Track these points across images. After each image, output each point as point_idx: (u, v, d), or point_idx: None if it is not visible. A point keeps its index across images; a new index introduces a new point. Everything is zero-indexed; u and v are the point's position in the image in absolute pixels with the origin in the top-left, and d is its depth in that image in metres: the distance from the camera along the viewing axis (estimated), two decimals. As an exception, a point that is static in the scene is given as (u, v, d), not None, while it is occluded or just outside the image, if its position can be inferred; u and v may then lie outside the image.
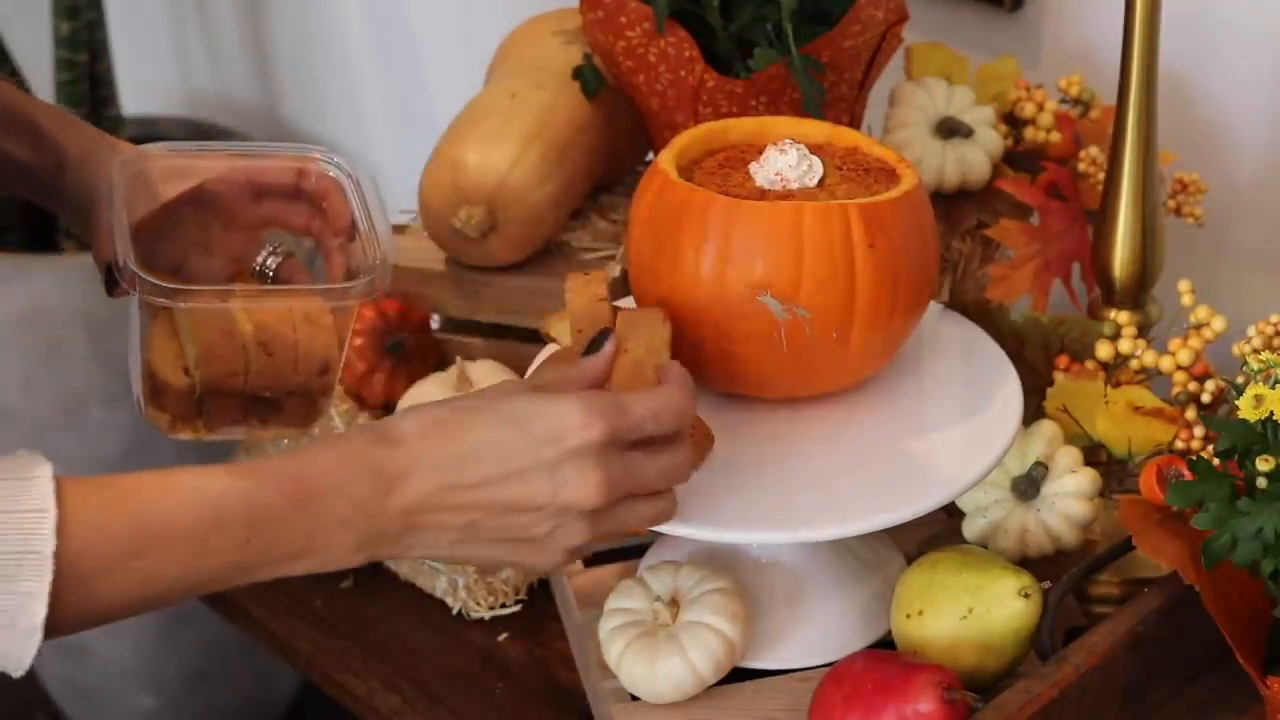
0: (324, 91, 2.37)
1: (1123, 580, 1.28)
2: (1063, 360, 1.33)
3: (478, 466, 0.98)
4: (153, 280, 1.10)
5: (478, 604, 1.38)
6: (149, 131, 2.39)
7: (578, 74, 1.47)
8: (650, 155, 1.54)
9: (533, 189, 1.42)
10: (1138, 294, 1.35)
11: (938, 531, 1.34)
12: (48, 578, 0.88)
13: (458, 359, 1.41)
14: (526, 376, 1.23)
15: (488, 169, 1.41)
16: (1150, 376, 1.31)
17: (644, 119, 1.47)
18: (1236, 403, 1.08)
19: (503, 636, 1.36)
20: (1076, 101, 1.50)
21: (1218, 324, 1.29)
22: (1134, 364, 1.31)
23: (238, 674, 2.34)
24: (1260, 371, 1.09)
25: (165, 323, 1.19)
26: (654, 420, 1.02)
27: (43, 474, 0.91)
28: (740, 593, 1.21)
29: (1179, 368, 1.28)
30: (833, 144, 1.24)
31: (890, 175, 1.21)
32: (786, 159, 1.18)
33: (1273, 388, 1.07)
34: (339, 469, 0.97)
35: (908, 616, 1.19)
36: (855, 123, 1.44)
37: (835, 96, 1.40)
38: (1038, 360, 1.34)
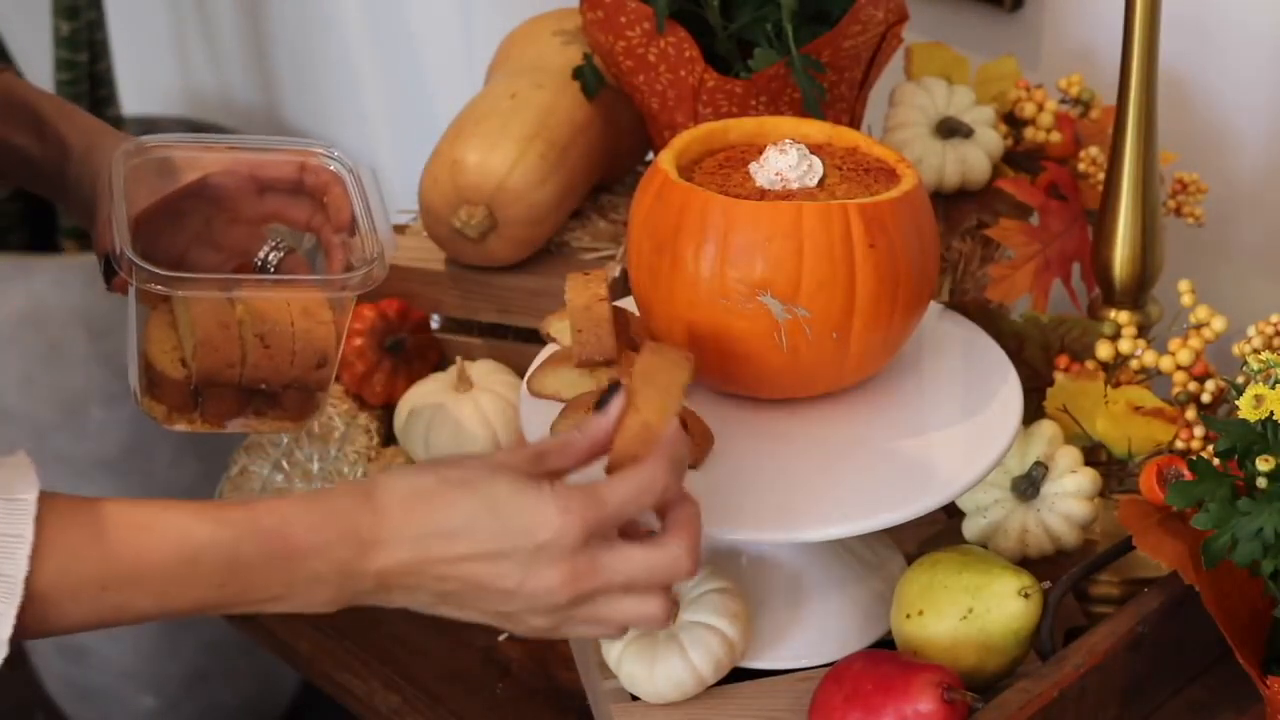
0: (324, 91, 2.37)
1: (1123, 580, 1.28)
2: (1063, 360, 1.33)
3: (452, 545, 0.99)
4: (150, 269, 1.10)
5: (478, 604, 1.38)
6: (149, 131, 2.39)
7: (578, 74, 1.47)
8: (650, 155, 1.54)
9: (533, 189, 1.42)
10: (1138, 294, 1.35)
11: (938, 531, 1.34)
12: (16, 600, 0.91)
13: (458, 359, 1.41)
14: (528, 376, 1.23)
15: (488, 169, 1.41)
16: (1150, 376, 1.31)
17: (644, 119, 1.47)
18: (1236, 403, 1.08)
19: (503, 636, 1.36)
20: (1076, 101, 1.50)
21: (1218, 324, 1.29)
22: (1134, 364, 1.31)
23: (238, 674, 2.35)
24: (1260, 371, 1.09)
25: (163, 314, 1.19)
26: (634, 504, 1.01)
27: (28, 498, 0.93)
28: (740, 593, 1.21)
29: (1179, 368, 1.28)
30: (833, 144, 1.24)
31: (890, 175, 1.21)
32: (786, 159, 1.18)
33: (1273, 388, 1.07)
34: (321, 529, 0.98)
35: (908, 616, 1.19)
36: (855, 123, 1.44)
37: (835, 96, 1.40)
38: (1038, 360, 1.34)
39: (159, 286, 1.10)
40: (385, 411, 1.46)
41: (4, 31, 2.24)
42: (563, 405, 1.19)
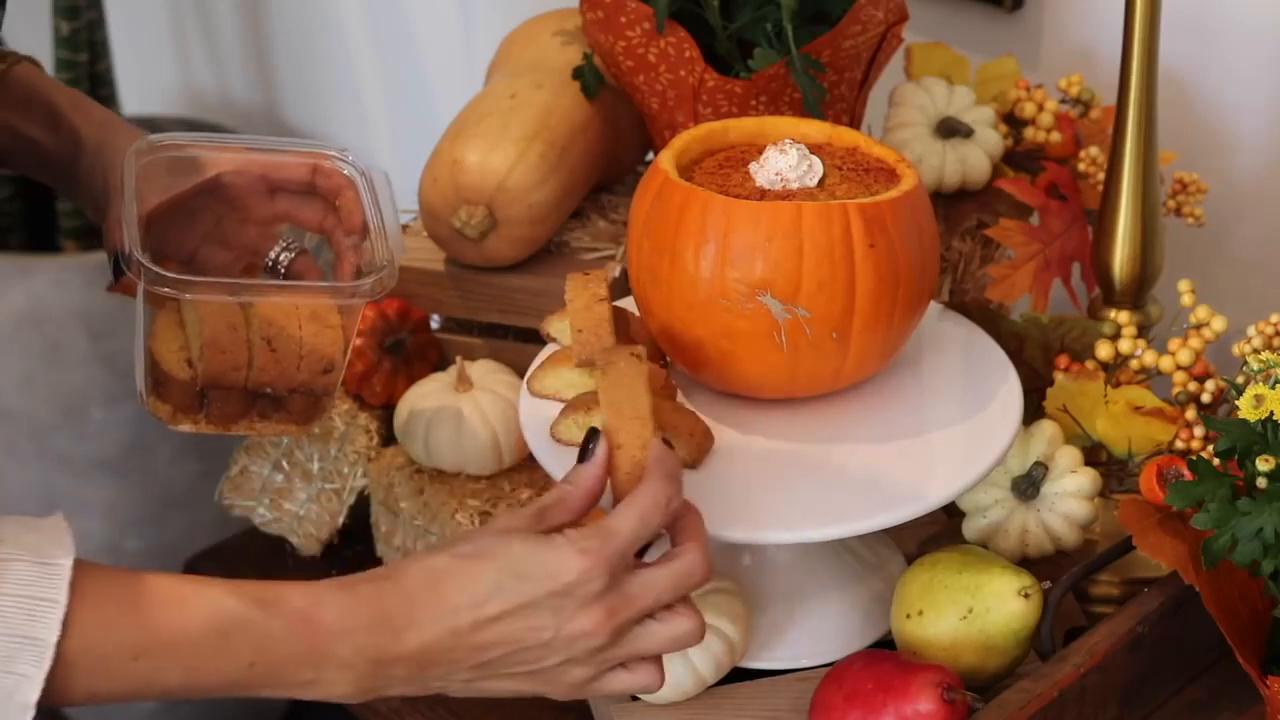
0: (324, 91, 2.37)
1: (1123, 580, 1.28)
2: (1063, 360, 1.33)
3: (483, 610, 0.99)
4: (158, 270, 1.10)
5: (478, 604, 1.38)
6: (149, 131, 2.39)
7: (578, 74, 1.47)
8: (650, 155, 1.54)
9: (533, 189, 1.42)
10: (1138, 294, 1.35)
11: (938, 531, 1.34)
12: (46, 665, 0.91)
13: (458, 359, 1.41)
14: (528, 376, 1.23)
15: (488, 169, 1.41)
16: (1150, 376, 1.31)
17: (644, 119, 1.47)
18: (1236, 403, 1.08)
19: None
20: (1076, 101, 1.50)
21: (1218, 324, 1.29)
22: (1134, 364, 1.31)
23: (238, 674, 2.34)
24: (1260, 371, 1.09)
25: (171, 313, 1.19)
26: (646, 528, 1.02)
27: (63, 563, 0.93)
28: (741, 593, 1.21)
29: (1179, 368, 1.28)
30: (833, 144, 1.24)
31: (890, 175, 1.21)
32: (786, 159, 1.18)
33: (1273, 388, 1.07)
34: (351, 613, 0.98)
35: (908, 616, 1.19)
36: (855, 123, 1.44)
37: (835, 96, 1.40)
38: (1038, 360, 1.34)
39: (167, 289, 1.10)
40: (385, 411, 1.46)
41: (4, 31, 2.24)
42: (562, 405, 1.19)
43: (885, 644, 1.23)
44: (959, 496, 1.19)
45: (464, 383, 1.39)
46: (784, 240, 1.13)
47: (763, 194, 1.17)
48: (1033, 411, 1.29)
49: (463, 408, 1.37)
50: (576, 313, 1.19)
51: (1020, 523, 1.27)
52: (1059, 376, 1.32)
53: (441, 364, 1.47)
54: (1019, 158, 1.49)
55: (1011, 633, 1.17)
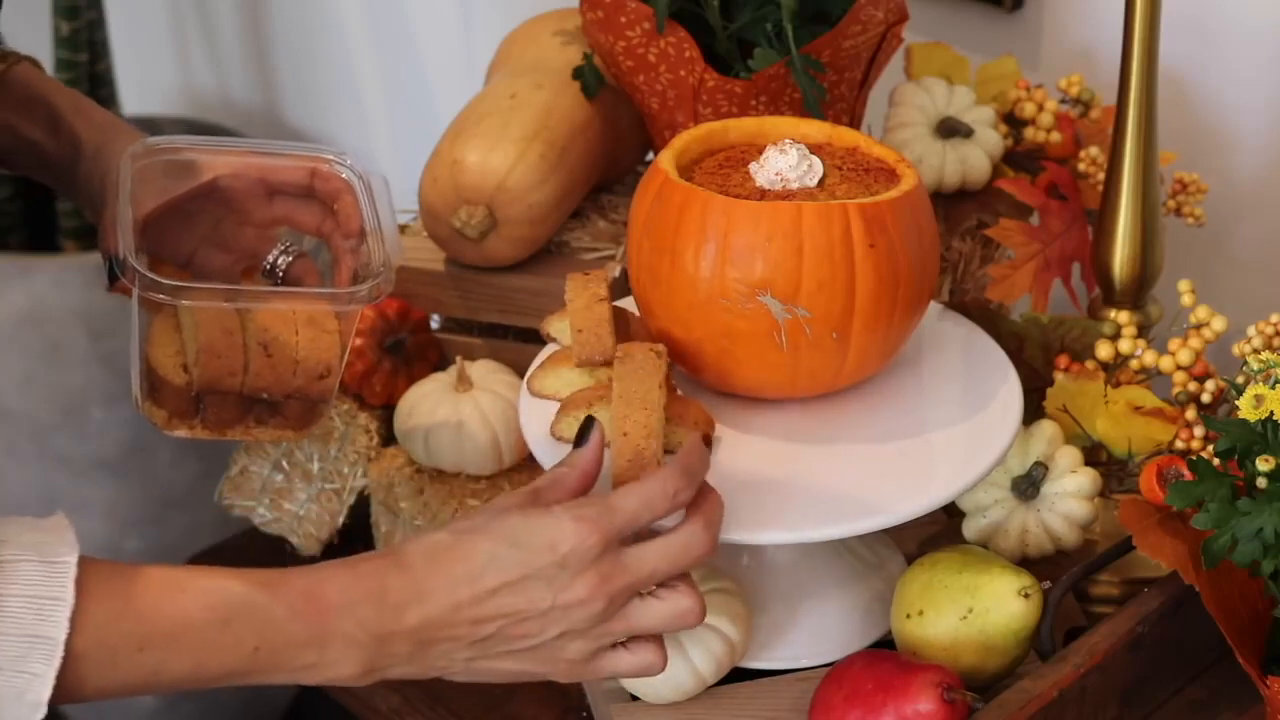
0: (324, 92, 2.37)
1: (1123, 580, 1.28)
2: (1063, 360, 1.33)
3: (480, 583, 1.00)
4: (152, 276, 1.10)
5: (478, 604, 1.38)
6: (150, 131, 2.39)
7: (578, 74, 1.47)
8: (650, 155, 1.54)
9: (533, 189, 1.42)
10: (1138, 294, 1.35)
11: (938, 531, 1.34)
12: (56, 663, 0.91)
13: (458, 359, 1.41)
14: (528, 376, 1.23)
15: (488, 169, 1.41)
16: (1150, 376, 1.31)
17: (644, 119, 1.47)
18: (1236, 403, 1.08)
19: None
20: (1076, 101, 1.50)
21: (1218, 324, 1.29)
22: (1134, 364, 1.31)
23: (238, 674, 2.34)
24: (1260, 371, 1.09)
25: (167, 318, 1.19)
26: (647, 510, 1.02)
27: (68, 561, 0.93)
28: (740, 593, 1.21)
29: (1179, 368, 1.28)
30: (833, 144, 1.24)
31: (890, 175, 1.21)
32: (786, 159, 1.18)
33: (1273, 388, 1.07)
34: (351, 588, 0.99)
35: (908, 616, 1.19)
36: (855, 123, 1.44)
37: (835, 96, 1.40)
38: (1038, 360, 1.34)
39: (161, 295, 1.10)
40: (385, 411, 1.46)
41: (4, 31, 2.24)
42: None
43: (885, 644, 1.23)
44: (959, 496, 1.19)
45: (464, 383, 1.39)
46: (784, 240, 1.13)
47: (763, 194, 1.17)
48: (1033, 411, 1.29)
49: (463, 408, 1.37)
50: (576, 313, 1.19)
51: (1020, 523, 1.27)
52: (1059, 376, 1.32)
53: (441, 364, 1.47)
54: (1019, 158, 1.49)
55: (1011, 633, 1.17)
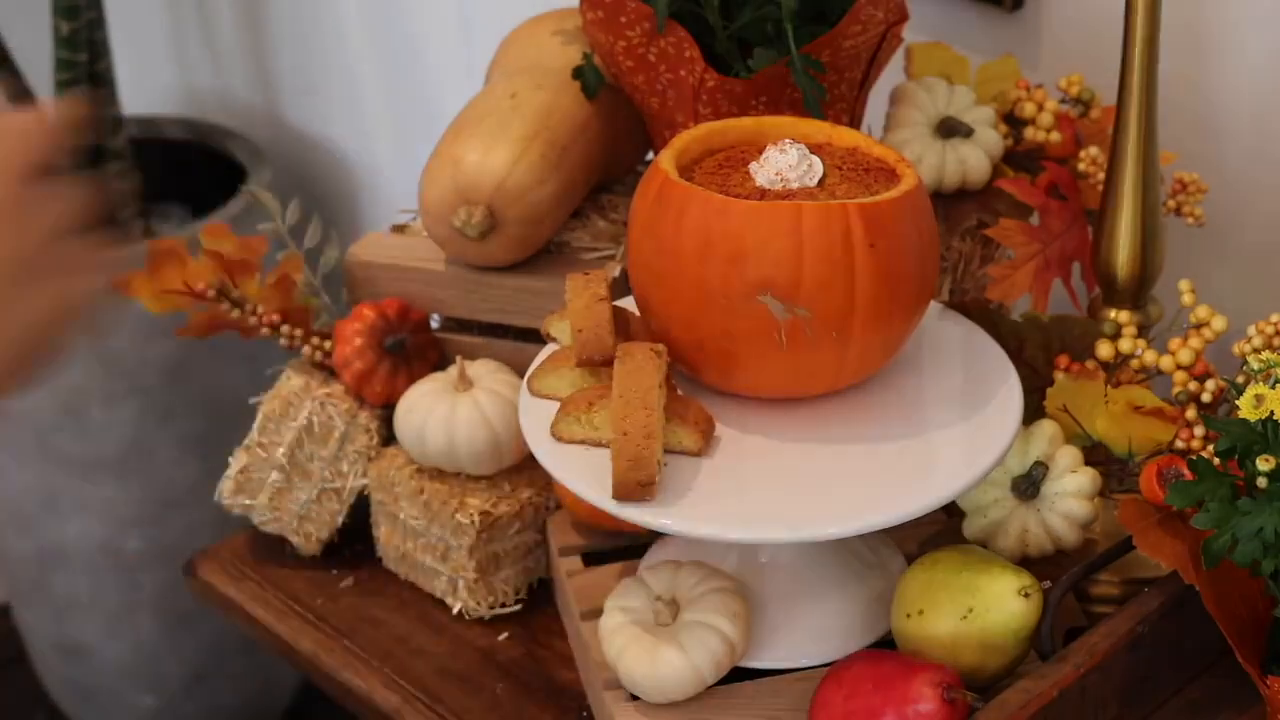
0: (324, 91, 2.37)
1: (1123, 580, 1.28)
2: (1063, 360, 1.33)
3: None
4: None
5: (478, 604, 1.38)
6: (149, 131, 2.39)
7: (578, 74, 1.47)
8: (650, 155, 1.54)
9: (533, 189, 1.42)
10: (1138, 294, 1.35)
11: (938, 531, 1.34)
12: None
13: (458, 359, 1.41)
14: (528, 376, 1.23)
15: (488, 169, 1.41)
16: (1150, 376, 1.31)
17: (644, 119, 1.47)
18: (1236, 403, 1.08)
19: (503, 636, 1.36)
20: (1076, 101, 1.50)
21: (1218, 324, 1.29)
22: (1134, 364, 1.31)
23: (238, 674, 2.35)
24: (1260, 371, 1.09)
25: None
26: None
27: None
28: (740, 592, 1.21)
29: (1179, 367, 1.28)
30: (833, 144, 1.24)
31: (890, 175, 1.21)
32: (786, 159, 1.18)
33: (1273, 387, 1.07)
34: None
35: (908, 616, 1.19)
36: (855, 123, 1.44)
37: (835, 96, 1.40)
38: (1038, 360, 1.34)
39: None
40: (385, 411, 1.46)
41: (4, 31, 2.24)
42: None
43: (885, 644, 1.23)
44: (959, 496, 1.19)
45: (464, 382, 1.39)
46: (784, 240, 1.14)
47: (763, 194, 1.17)
48: (1033, 411, 1.29)
49: (462, 407, 1.37)
50: (576, 313, 1.19)
51: (1020, 522, 1.27)
52: (1059, 376, 1.32)
53: (441, 364, 1.47)
54: (1019, 158, 1.49)
55: (1011, 633, 1.17)
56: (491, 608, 1.38)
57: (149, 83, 2.59)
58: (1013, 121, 1.50)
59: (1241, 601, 1.14)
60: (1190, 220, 1.44)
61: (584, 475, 1.15)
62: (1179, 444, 1.27)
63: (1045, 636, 1.18)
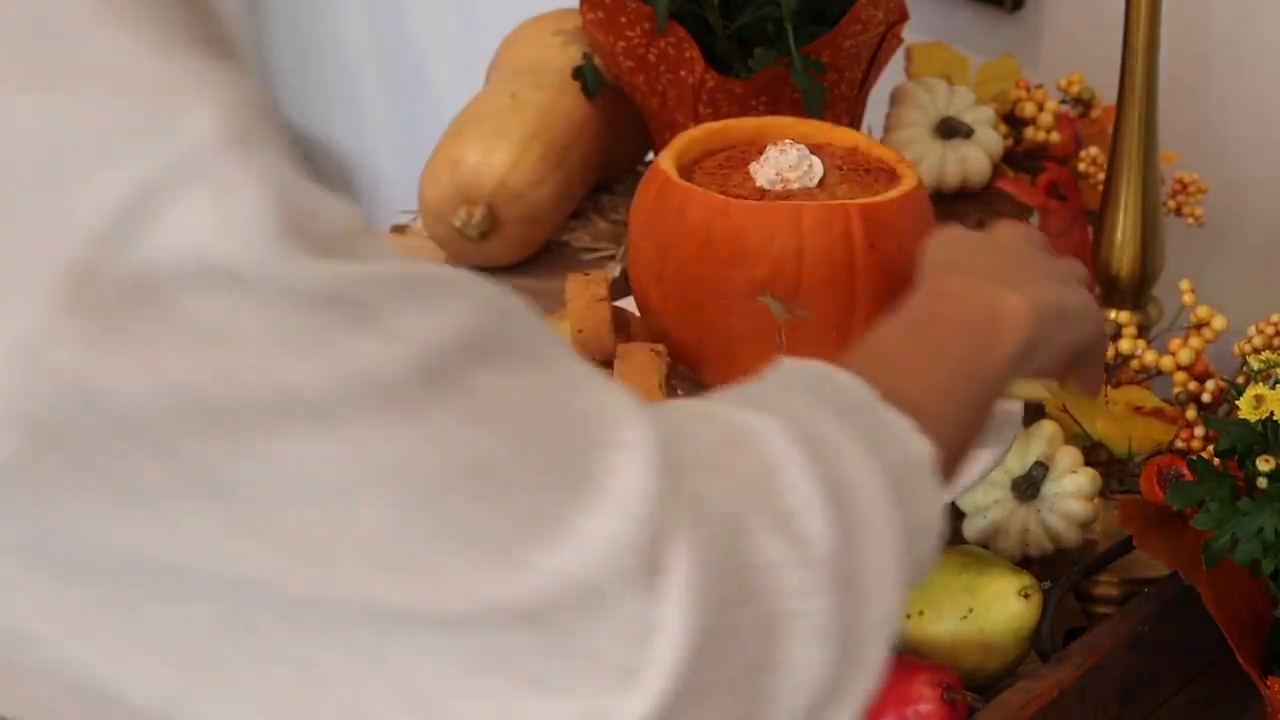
0: (324, 92, 2.37)
1: (1123, 580, 1.28)
2: (1063, 360, 1.33)
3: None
4: None
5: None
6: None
7: (578, 74, 1.47)
8: (650, 155, 1.54)
9: (533, 189, 1.42)
10: (1138, 294, 1.35)
11: (938, 531, 1.34)
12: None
13: (458, 359, 1.41)
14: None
15: (488, 169, 1.41)
16: (1150, 376, 1.31)
17: (644, 119, 1.47)
18: (1236, 403, 1.08)
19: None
20: (1076, 101, 1.50)
21: (1218, 324, 1.29)
22: (1134, 364, 1.31)
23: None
24: (1261, 371, 1.09)
25: None
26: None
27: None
28: (740, 593, 1.21)
29: (1179, 368, 1.28)
30: (833, 144, 1.24)
31: (890, 175, 1.21)
32: (786, 159, 1.18)
33: (1273, 387, 1.07)
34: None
35: (908, 616, 1.19)
36: (855, 123, 1.44)
37: (835, 96, 1.40)
38: (1038, 360, 1.34)
39: None
40: (385, 411, 1.46)
41: None
42: None
43: (885, 644, 1.23)
44: (959, 496, 1.19)
45: (464, 383, 1.39)
46: (784, 240, 1.13)
47: (763, 194, 1.17)
48: (1033, 411, 1.28)
49: (463, 408, 1.37)
50: (576, 313, 1.19)
51: (1020, 523, 1.26)
52: (1059, 376, 1.31)
53: (442, 364, 1.47)
54: (1019, 158, 1.49)
55: (1011, 632, 1.17)
56: (491, 608, 1.38)
57: (149, 83, 2.58)
58: (1013, 121, 1.50)
59: (1241, 601, 1.14)
60: (1190, 220, 1.44)
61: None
62: (1179, 444, 1.27)
63: (1045, 636, 1.18)
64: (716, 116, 1.38)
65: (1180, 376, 1.28)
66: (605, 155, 1.50)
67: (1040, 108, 1.48)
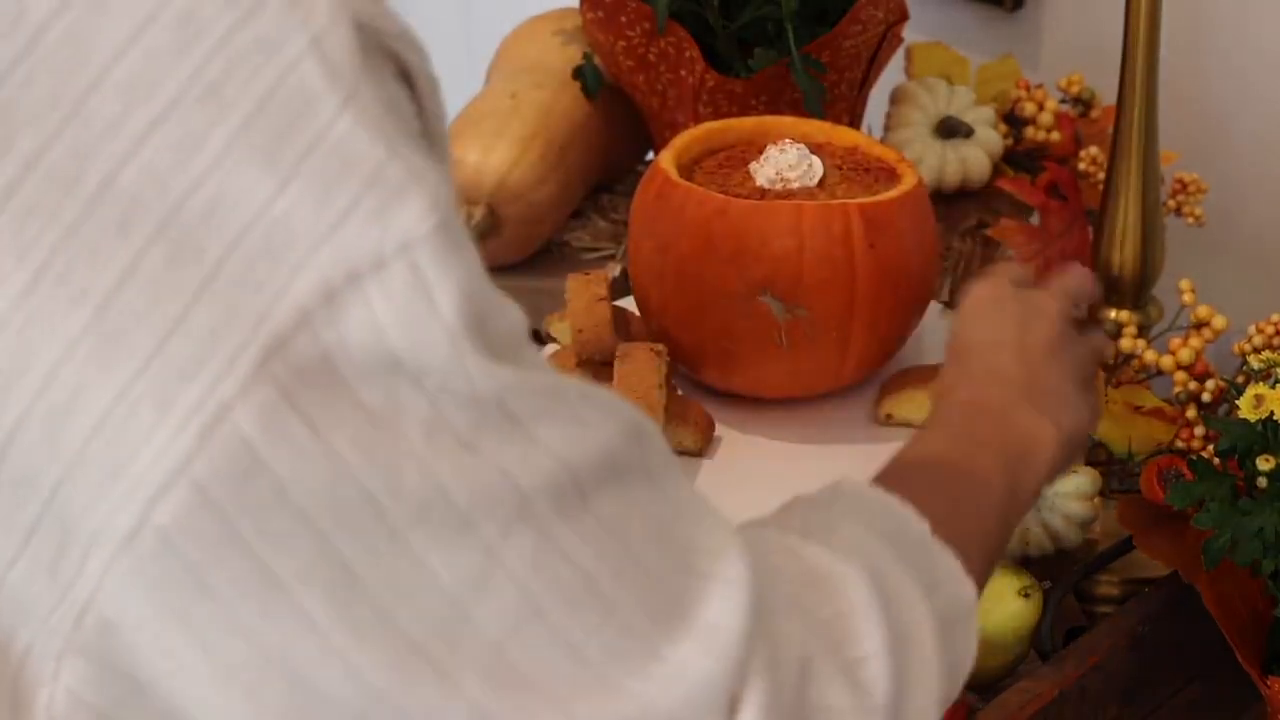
0: (324, 91, 2.37)
1: (1123, 580, 1.28)
2: (1063, 360, 1.33)
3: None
4: None
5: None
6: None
7: (578, 74, 1.47)
8: (650, 155, 1.54)
9: (533, 189, 1.42)
10: (1138, 294, 1.35)
11: (938, 531, 1.34)
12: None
13: (458, 359, 1.41)
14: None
15: (488, 169, 1.41)
16: (1150, 376, 1.31)
17: (644, 119, 1.47)
18: (1236, 403, 1.08)
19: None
20: (1076, 101, 1.50)
21: (1218, 323, 1.29)
22: (1134, 364, 1.31)
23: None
24: (1261, 371, 1.09)
25: None
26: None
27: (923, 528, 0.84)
28: (740, 593, 1.21)
29: (1179, 367, 1.28)
30: (833, 144, 1.24)
31: (890, 175, 1.21)
32: (786, 159, 1.18)
33: (1273, 387, 1.07)
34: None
35: (908, 616, 1.19)
36: (855, 123, 1.44)
37: (835, 96, 1.40)
38: (1038, 360, 1.34)
39: None
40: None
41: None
42: None
43: (885, 644, 1.23)
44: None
45: (464, 383, 1.39)
46: (784, 240, 1.13)
47: (763, 194, 1.17)
48: (1033, 411, 1.28)
49: (463, 408, 1.37)
50: (576, 313, 1.19)
51: (1021, 523, 1.26)
52: (1059, 376, 1.31)
53: (442, 364, 1.47)
54: (1019, 158, 1.49)
55: (1011, 632, 1.17)
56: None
57: (149, 83, 2.58)
58: (1013, 121, 1.50)
59: (1241, 601, 1.14)
60: (1190, 220, 1.44)
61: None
62: (1179, 444, 1.27)
63: (1045, 636, 1.18)
64: (716, 116, 1.39)
65: (1180, 376, 1.28)
66: (605, 155, 1.50)
67: (1040, 107, 1.48)
